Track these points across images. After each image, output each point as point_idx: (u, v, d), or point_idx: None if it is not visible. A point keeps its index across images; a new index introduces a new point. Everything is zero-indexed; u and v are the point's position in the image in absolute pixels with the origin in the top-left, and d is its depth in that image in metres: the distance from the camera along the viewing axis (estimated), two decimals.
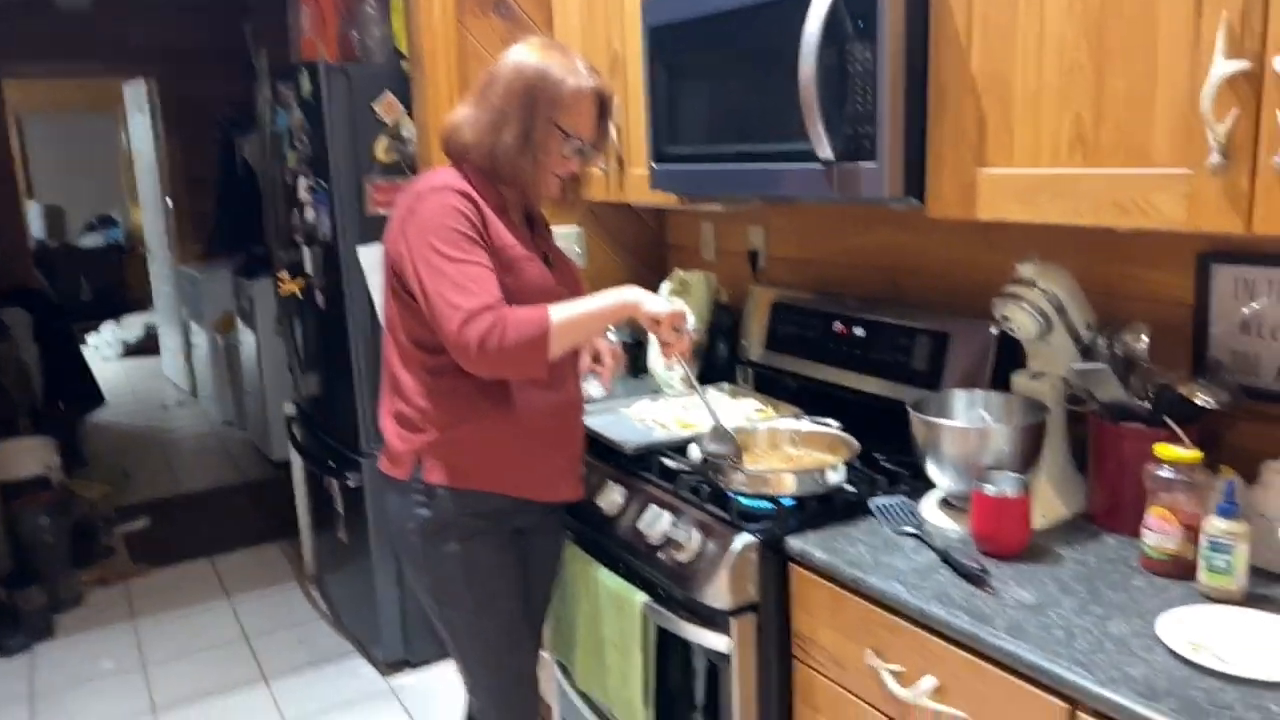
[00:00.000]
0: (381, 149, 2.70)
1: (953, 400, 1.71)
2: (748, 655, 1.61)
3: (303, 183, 2.82)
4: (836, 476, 1.67)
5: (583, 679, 1.96)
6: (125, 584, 3.83)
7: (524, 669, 1.81)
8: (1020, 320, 1.56)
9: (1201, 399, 1.43)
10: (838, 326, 2.13)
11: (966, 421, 1.64)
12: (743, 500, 1.67)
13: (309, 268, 2.92)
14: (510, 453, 1.68)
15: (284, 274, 3.04)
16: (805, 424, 1.89)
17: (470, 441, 1.66)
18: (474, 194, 1.61)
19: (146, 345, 8.10)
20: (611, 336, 2.39)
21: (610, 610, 1.81)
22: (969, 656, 1.27)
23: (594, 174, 2.33)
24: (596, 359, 1.89)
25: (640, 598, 1.74)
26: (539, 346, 1.52)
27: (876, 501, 1.65)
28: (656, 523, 1.73)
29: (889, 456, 1.82)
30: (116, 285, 9.42)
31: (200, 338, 6.14)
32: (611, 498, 1.87)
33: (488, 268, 1.56)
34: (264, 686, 3.04)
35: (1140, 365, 1.53)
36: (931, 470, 1.60)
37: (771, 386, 2.30)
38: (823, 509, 1.64)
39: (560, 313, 1.55)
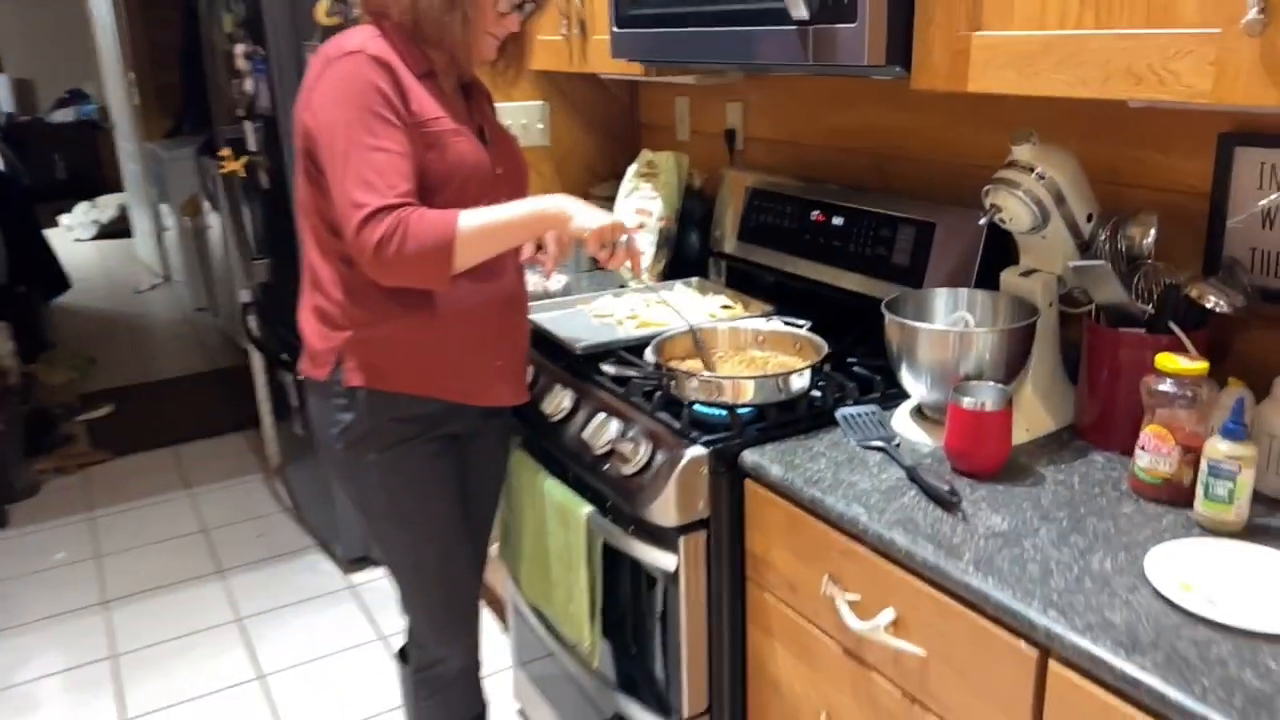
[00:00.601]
0: (323, 11, 2.44)
1: (933, 299, 1.53)
2: (697, 575, 1.48)
3: (240, 49, 2.58)
4: (801, 383, 1.51)
5: (529, 591, 1.84)
6: (84, 474, 3.71)
7: (458, 585, 1.67)
8: (1013, 210, 1.37)
9: (1212, 301, 1.26)
10: (816, 215, 1.94)
11: (946, 323, 1.47)
12: (697, 408, 1.51)
13: (251, 144, 2.70)
14: (439, 352, 1.52)
15: (226, 151, 2.82)
16: (773, 324, 1.72)
17: (394, 340, 1.49)
18: (392, 59, 1.40)
19: (121, 227, 7.84)
20: None
21: (556, 522, 1.68)
22: (932, 590, 1.14)
23: (541, 39, 2.11)
24: (540, 247, 1.70)
25: (585, 510, 1.60)
26: (440, 257, 1.34)
27: (844, 411, 1.49)
28: (603, 431, 1.58)
29: (863, 361, 1.66)
30: (91, 163, 9.08)
31: (171, 219, 5.91)
32: (559, 401, 1.71)
33: (400, 154, 1.36)
34: (219, 580, 2.95)
35: (1145, 263, 1.35)
36: (905, 378, 1.44)
37: (745, 281, 2.12)
38: (784, 419, 1.49)
39: (470, 220, 1.36)
